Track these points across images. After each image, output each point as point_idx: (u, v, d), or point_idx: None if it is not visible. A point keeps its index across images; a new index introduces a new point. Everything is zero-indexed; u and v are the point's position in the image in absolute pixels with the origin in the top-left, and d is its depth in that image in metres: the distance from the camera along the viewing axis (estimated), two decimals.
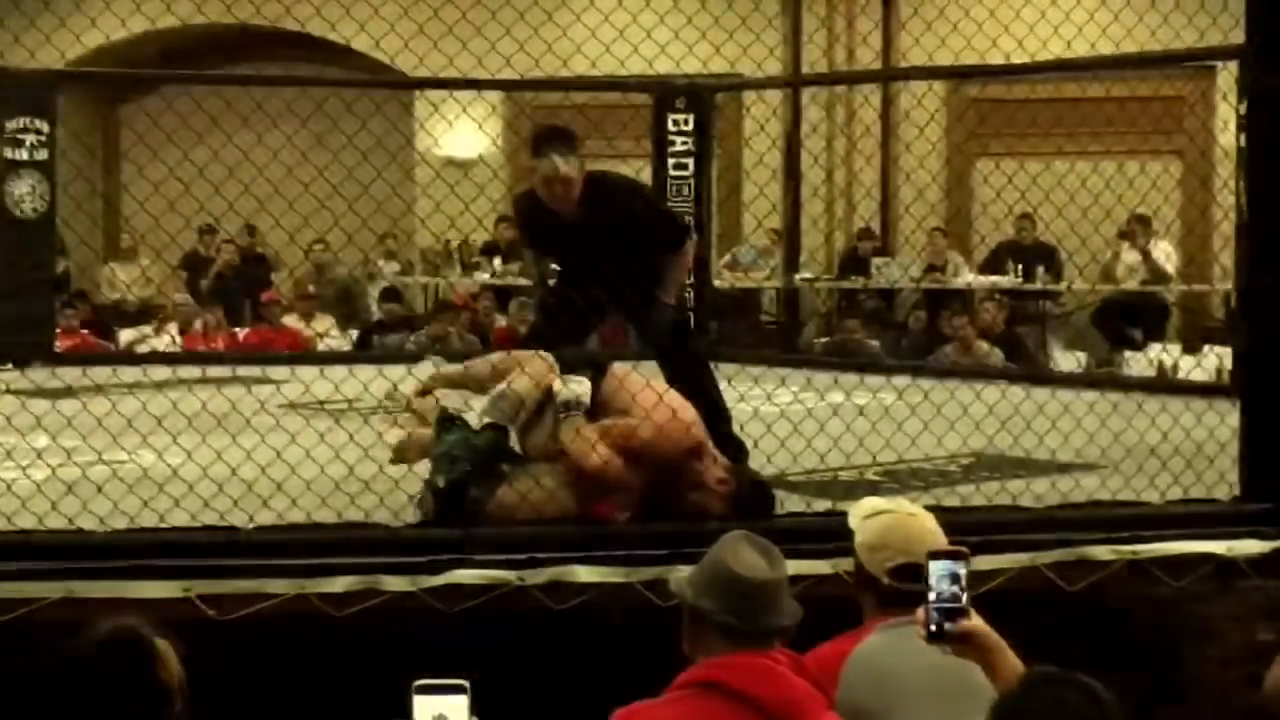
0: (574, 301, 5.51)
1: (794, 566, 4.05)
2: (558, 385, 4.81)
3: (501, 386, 4.80)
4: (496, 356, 4.99)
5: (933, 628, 2.74)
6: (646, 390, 4.81)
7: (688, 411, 4.81)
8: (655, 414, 4.71)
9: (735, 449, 5.25)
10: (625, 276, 5.34)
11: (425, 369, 5.18)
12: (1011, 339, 11.21)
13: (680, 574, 3.17)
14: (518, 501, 4.67)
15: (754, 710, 2.87)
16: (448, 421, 4.78)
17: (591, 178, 5.39)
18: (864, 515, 3.43)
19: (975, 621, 2.77)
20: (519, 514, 4.66)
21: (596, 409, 4.84)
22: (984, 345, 10.49)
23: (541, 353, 4.94)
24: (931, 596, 2.74)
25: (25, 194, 8.91)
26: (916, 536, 3.26)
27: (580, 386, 4.82)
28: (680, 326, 5.62)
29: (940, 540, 3.28)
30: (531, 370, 4.84)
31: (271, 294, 12.33)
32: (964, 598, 2.75)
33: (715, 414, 5.32)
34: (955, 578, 2.75)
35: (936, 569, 2.75)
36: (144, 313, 12.91)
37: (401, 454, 4.98)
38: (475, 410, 4.82)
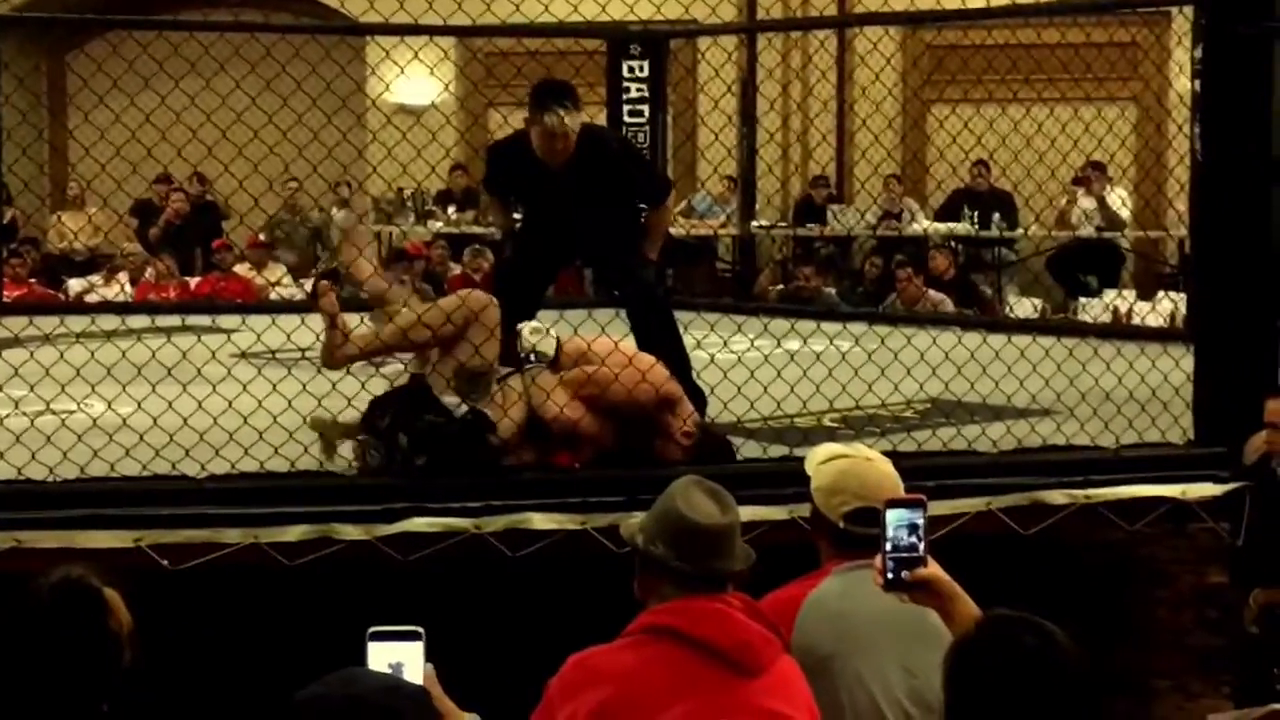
0: (539, 247, 5.50)
1: (750, 512, 4.06)
2: (526, 334, 4.84)
3: (477, 363, 4.74)
4: (449, 302, 4.93)
5: (890, 575, 2.75)
6: (615, 352, 4.82)
7: (659, 370, 4.84)
8: (626, 373, 4.75)
9: (695, 397, 5.26)
10: (609, 229, 5.34)
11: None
12: (966, 285, 11.25)
13: (632, 520, 3.16)
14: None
15: (708, 654, 2.87)
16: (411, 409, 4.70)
17: (584, 131, 5.38)
18: (820, 460, 3.43)
19: (932, 568, 2.77)
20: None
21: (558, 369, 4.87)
22: (934, 294, 10.51)
23: (494, 300, 4.90)
24: (888, 545, 2.74)
25: None
26: (873, 481, 3.26)
27: (546, 341, 4.82)
28: (660, 281, 5.67)
29: (896, 485, 3.28)
30: (487, 320, 4.80)
31: (223, 242, 12.23)
32: (921, 546, 2.75)
33: (684, 363, 5.35)
34: (913, 526, 2.75)
35: (893, 517, 2.74)
36: (93, 262, 12.79)
37: (321, 427, 4.90)
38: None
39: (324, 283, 4.92)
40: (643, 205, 5.56)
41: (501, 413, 4.72)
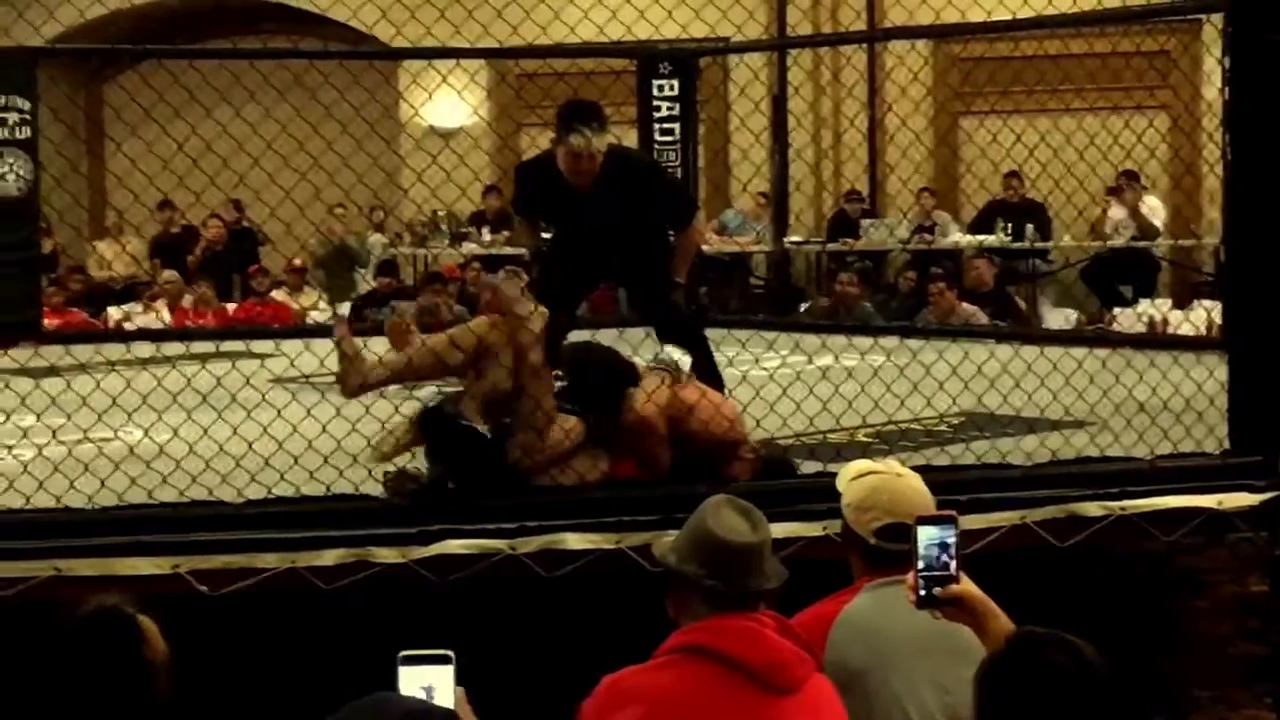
0: (567, 268, 5.48)
1: (784, 529, 4.07)
2: (671, 350, 4.92)
3: (491, 390, 4.73)
4: (460, 333, 4.84)
5: (922, 593, 2.74)
6: (690, 388, 4.88)
7: (729, 407, 4.90)
8: (702, 404, 4.78)
9: None
10: (637, 251, 5.34)
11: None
12: (1001, 297, 11.20)
13: (665, 539, 3.16)
14: (550, 446, 4.69)
15: (741, 674, 2.86)
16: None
17: (610, 151, 5.36)
18: (851, 477, 3.43)
19: (964, 585, 2.77)
20: (544, 460, 4.68)
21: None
22: (967, 307, 10.47)
23: (541, 307, 4.86)
24: (920, 563, 2.74)
25: (7, 172, 8.88)
26: (903, 497, 3.26)
27: (680, 356, 4.88)
28: (692, 299, 5.65)
29: (927, 500, 3.27)
30: (535, 328, 4.75)
31: (259, 268, 12.30)
32: (953, 564, 2.75)
33: (718, 386, 5.35)
34: (944, 544, 2.74)
35: (924, 535, 2.74)
36: (131, 290, 12.89)
37: (382, 452, 4.90)
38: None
39: (342, 323, 4.91)
40: (671, 228, 5.54)
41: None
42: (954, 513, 2.84)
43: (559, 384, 4.84)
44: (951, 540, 2.75)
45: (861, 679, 3.12)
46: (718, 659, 2.87)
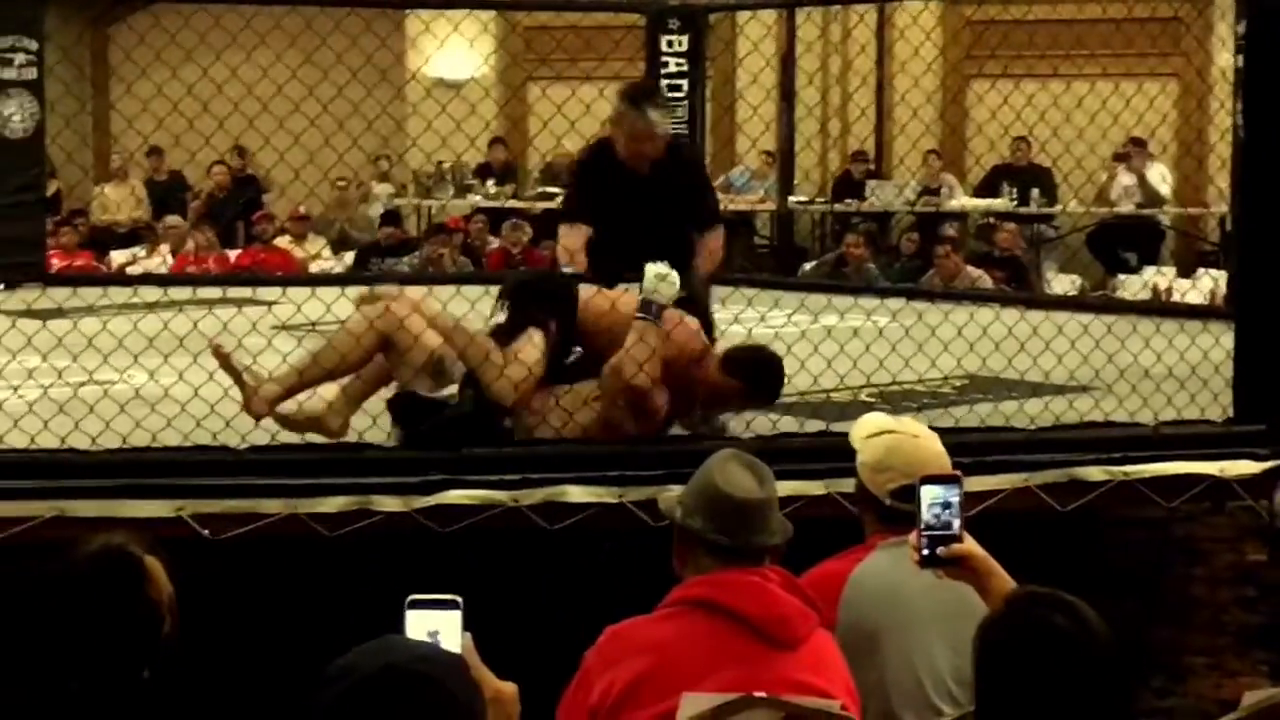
0: (611, 265, 5.36)
1: (787, 487, 4.06)
2: (650, 276, 4.66)
3: (425, 358, 4.65)
4: (356, 324, 4.69)
5: (925, 552, 2.76)
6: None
7: (690, 321, 4.82)
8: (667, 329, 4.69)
9: None
10: (673, 248, 5.21)
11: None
12: (1014, 262, 11.19)
13: (670, 493, 3.17)
14: (561, 424, 4.68)
15: (744, 627, 2.87)
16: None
17: (672, 143, 5.29)
18: (867, 434, 3.41)
19: (967, 544, 2.78)
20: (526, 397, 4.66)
21: (579, 336, 4.84)
22: (973, 270, 10.46)
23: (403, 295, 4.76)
24: (924, 523, 2.75)
25: (14, 114, 8.85)
26: (920, 460, 3.25)
27: (668, 282, 4.66)
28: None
29: (944, 463, 3.27)
30: (410, 325, 4.64)
31: (264, 214, 12.29)
32: (956, 524, 2.76)
33: None
34: (948, 504, 2.76)
35: (929, 494, 2.75)
36: (135, 234, 12.89)
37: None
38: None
39: (218, 346, 4.77)
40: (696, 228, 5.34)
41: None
42: (959, 473, 2.86)
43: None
44: (955, 500, 2.76)
45: (874, 639, 3.13)
46: (720, 612, 2.89)
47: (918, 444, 3.33)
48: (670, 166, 5.21)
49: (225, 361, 4.68)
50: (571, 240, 5.31)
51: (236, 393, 4.83)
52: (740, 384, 4.76)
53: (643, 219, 5.10)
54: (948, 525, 2.76)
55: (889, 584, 3.15)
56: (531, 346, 4.68)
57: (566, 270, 5.12)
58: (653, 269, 4.68)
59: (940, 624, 3.09)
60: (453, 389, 4.60)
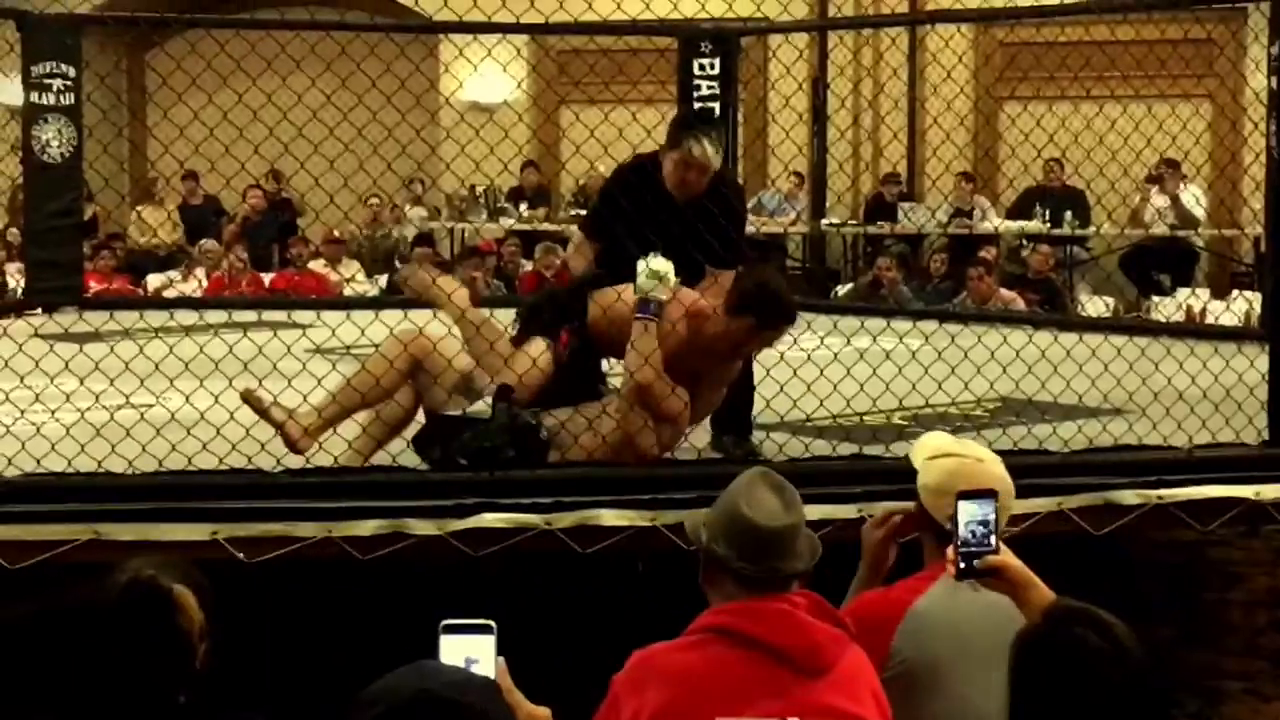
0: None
1: (819, 511, 4.07)
2: (641, 277, 4.62)
3: (455, 378, 4.71)
4: (390, 348, 4.80)
5: (961, 565, 2.76)
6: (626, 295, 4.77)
7: (685, 291, 4.79)
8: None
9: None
10: (689, 274, 5.17)
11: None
12: (1047, 284, 11.16)
13: (697, 515, 3.13)
14: (586, 440, 4.70)
15: (773, 657, 2.85)
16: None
17: (719, 174, 5.19)
18: (928, 455, 3.34)
19: (1004, 556, 2.78)
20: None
21: (596, 340, 4.86)
22: (1005, 293, 10.45)
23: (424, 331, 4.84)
24: (960, 539, 2.75)
25: (52, 139, 8.92)
26: (983, 485, 3.11)
27: (664, 277, 4.62)
28: None
29: (1008, 487, 3.22)
30: (442, 349, 4.76)
31: (299, 238, 12.36)
32: (993, 539, 2.76)
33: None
34: (984, 520, 2.77)
35: (965, 510, 2.76)
36: (172, 257, 12.98)
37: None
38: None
39: (248, 391, 4.84)
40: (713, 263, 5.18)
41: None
42: (994, 489, 2.85)
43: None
44: (991, 516, 2.77)
45: (934, 672, 3.06)
46: (747, 641, 2.86)
47: (981, 468, 3.23)
48: (710, 197, 5.18)
49: (258, 406, 4.73)
50: (576, 261, 5.31)
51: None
52: (751, 319, 4.67)
53: (667, 243, 5.07)
54: (985, 539, 2.77)
55: (951, 619, 3.09)
56: (533, 346, 4.75)
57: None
58: (645, 265, 4.62)
59: (1001, 661, 3.02)
60: (484, 404, 4.62)
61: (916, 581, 3.23)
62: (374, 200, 12.44)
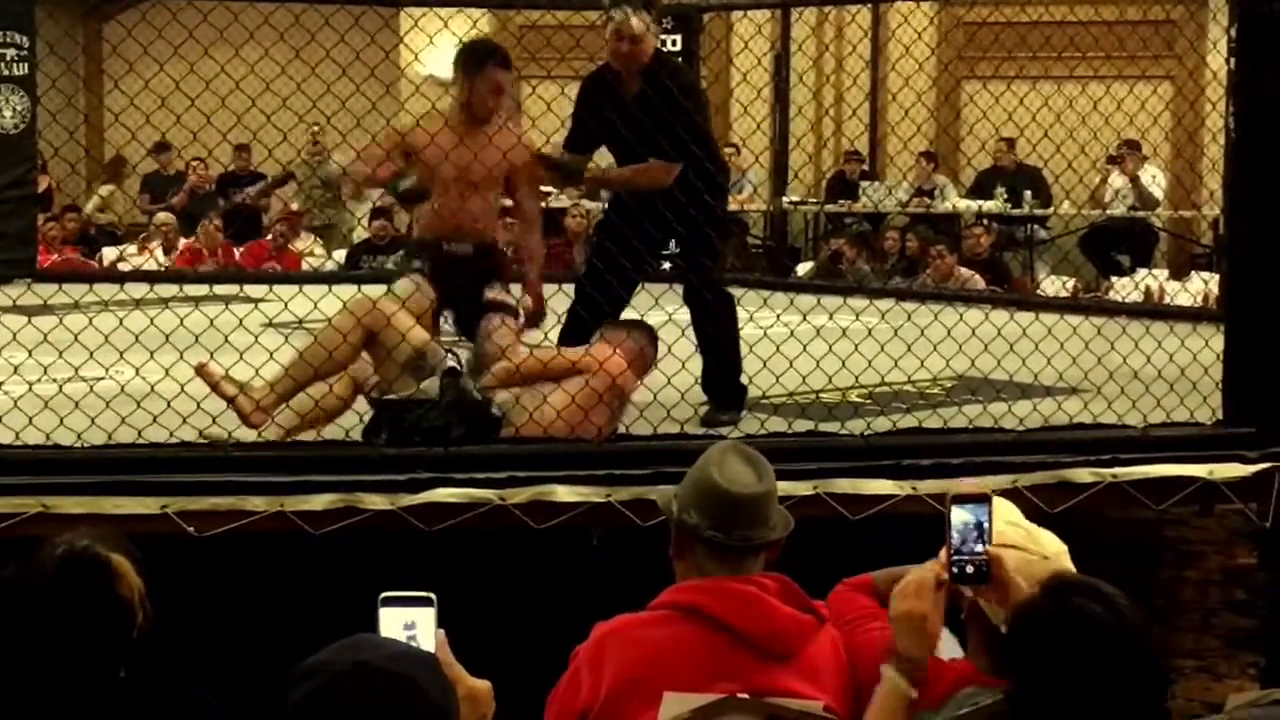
0: (622, 230, 5.36)
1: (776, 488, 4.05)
2: None
3: (409, 352, 4.75)
4: (343, 321, 4.83)
5: (954, 571, 2.71)
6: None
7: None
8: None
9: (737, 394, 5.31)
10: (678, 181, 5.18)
11: (404, 286, 5.10)
12: (996, 264, 11.20)
13: (667, 489, 3.12)
14: (549, 423, 4.74)
15: (733, 639, 2.83)
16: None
17: (660, 55, 5.31)
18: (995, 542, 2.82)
19: (995, 566, 2.68)
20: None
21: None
22: (964, 271, 10.47)
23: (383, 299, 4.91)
24: (954, 542, 2.70)
25: (3, 109, 8.83)
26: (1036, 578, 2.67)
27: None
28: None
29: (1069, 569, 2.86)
30: (396, 324, 4.81)
31: (288, 214, 12.28)
32: (983, 545, 2.70)
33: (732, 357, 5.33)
34: (979, 525, 2.71)
35: (959, 517, 2.70)
36: (127, 231, 12.86)
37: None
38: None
39: (202, 366, 4.82)
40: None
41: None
42: (989, 493, 2.79)
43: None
44: (985, 522, 2.71)
45: None
46: (710, 623, 2.84)
47: (1046, 566, 2.76)
48: (649, 83, 5.19)
49: (210, 380, 4.70)
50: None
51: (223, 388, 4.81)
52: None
53: (617, 142, 5.10)
54: (977, 544, 2.72)
55: None
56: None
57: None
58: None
59: None
60: (432, 382, 4.60)
61: (965, 674, 2.77)
62: (315, 128, 12.32)
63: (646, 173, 5.30)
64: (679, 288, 5.70)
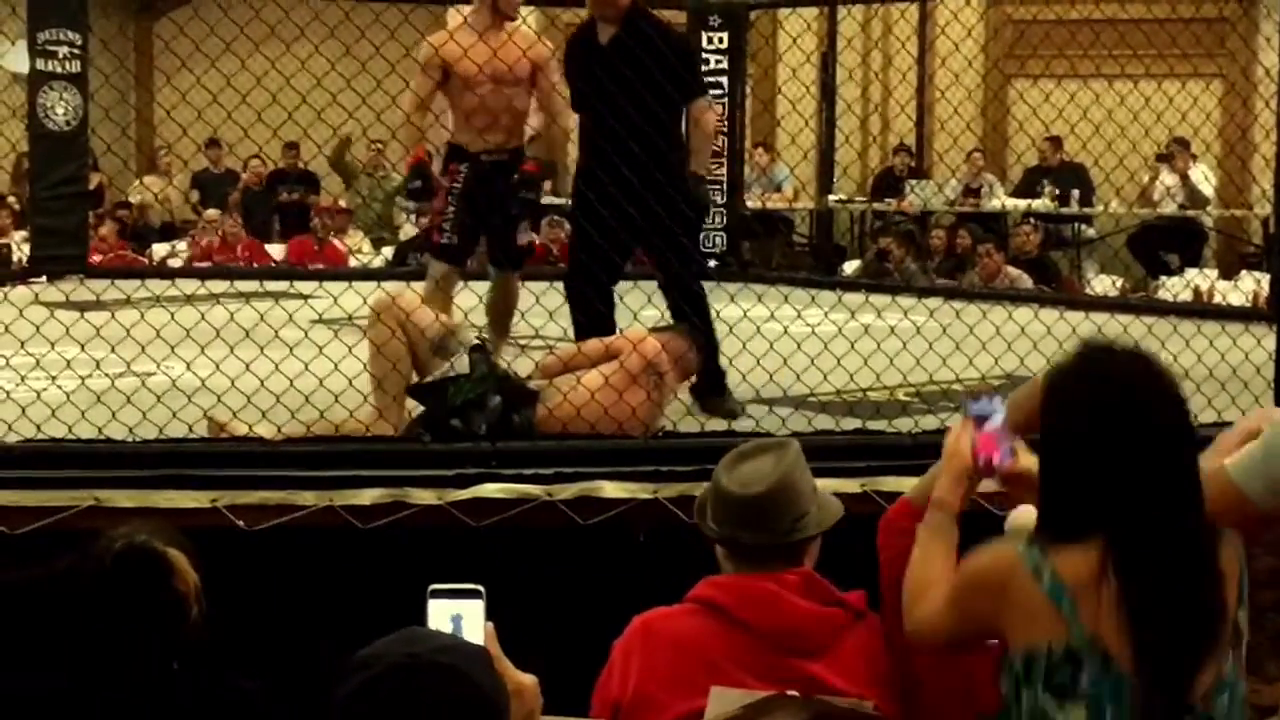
0: (599, 216, 5.39)
1: (823, 485, 4.04)
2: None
3: (438, 330, 4.83)
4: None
5: (981, 463, 2.73)
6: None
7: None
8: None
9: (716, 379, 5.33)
10: (655, 130, 5.22)
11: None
12: (1044, 264, 11.12)
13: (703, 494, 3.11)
14: (582, 404, 4.76)
15: (753, 637, 2.79)
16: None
17: (640, 6, 5.40)
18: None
19: (1024, 460, 2.71)
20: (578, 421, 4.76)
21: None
22: (1012, 270, 10.41)
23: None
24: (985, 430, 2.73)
25: (57, 106, 8.90)
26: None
27: None
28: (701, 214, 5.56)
29: None
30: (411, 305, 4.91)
31: (330, 207, 12.33)
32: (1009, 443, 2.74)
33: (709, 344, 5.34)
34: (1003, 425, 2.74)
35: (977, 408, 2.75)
36: (178, 227, 12.94)
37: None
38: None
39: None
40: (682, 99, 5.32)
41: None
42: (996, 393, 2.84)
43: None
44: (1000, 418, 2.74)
45: None
46: (730, 619, 2.81)
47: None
48: (630, 33, 5.28)
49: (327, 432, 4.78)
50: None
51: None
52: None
53: (598, 94, 5.16)
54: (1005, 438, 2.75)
55: None
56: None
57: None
58: None
59: None
60: (462, 359, 4.65)
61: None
62: (377, 144, 12.38)
63: (702, 132, 5.42)
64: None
